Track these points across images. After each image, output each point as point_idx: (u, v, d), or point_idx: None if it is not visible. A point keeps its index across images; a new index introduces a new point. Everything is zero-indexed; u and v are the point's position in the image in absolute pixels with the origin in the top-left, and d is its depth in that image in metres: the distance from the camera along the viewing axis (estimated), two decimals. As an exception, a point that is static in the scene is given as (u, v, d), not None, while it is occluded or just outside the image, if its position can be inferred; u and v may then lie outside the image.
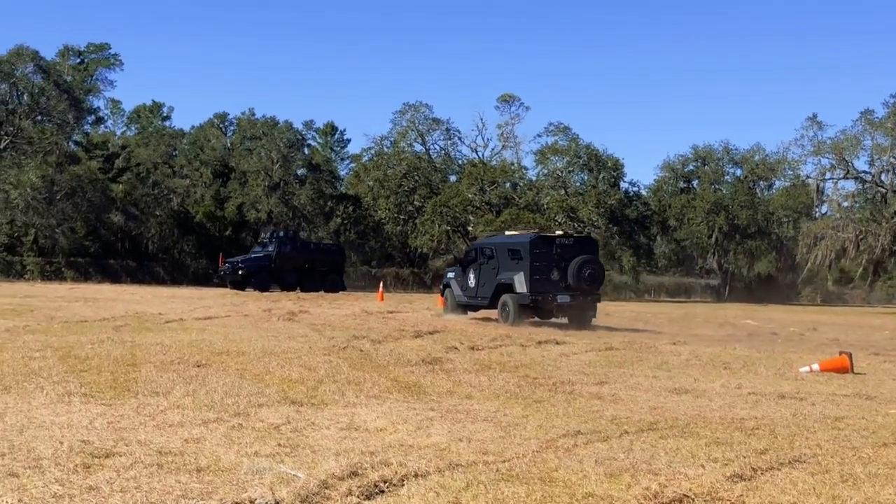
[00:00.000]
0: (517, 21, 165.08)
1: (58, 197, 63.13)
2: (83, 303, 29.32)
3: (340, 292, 50.93)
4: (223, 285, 51.81)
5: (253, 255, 51.96)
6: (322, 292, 49.15)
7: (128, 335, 17.55)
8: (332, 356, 14.50)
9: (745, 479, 6.66)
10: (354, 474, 6.40)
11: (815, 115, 63.99)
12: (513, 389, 11.34)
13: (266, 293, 45.80)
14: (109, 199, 68.79)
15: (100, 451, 6.96)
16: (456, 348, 16.86)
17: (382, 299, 40.92)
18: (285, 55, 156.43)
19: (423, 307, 34.40)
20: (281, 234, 53.79)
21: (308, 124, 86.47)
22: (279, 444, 7.57)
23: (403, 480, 6.37)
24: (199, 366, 12.74)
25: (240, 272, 49.79)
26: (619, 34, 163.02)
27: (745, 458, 7.38)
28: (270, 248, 51.39)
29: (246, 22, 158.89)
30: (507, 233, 33.57)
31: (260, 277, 49.85)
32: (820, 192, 64.41)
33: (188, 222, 70.82)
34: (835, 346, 20.53)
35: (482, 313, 27.92)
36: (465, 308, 28.14)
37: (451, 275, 29.44)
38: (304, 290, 49.98)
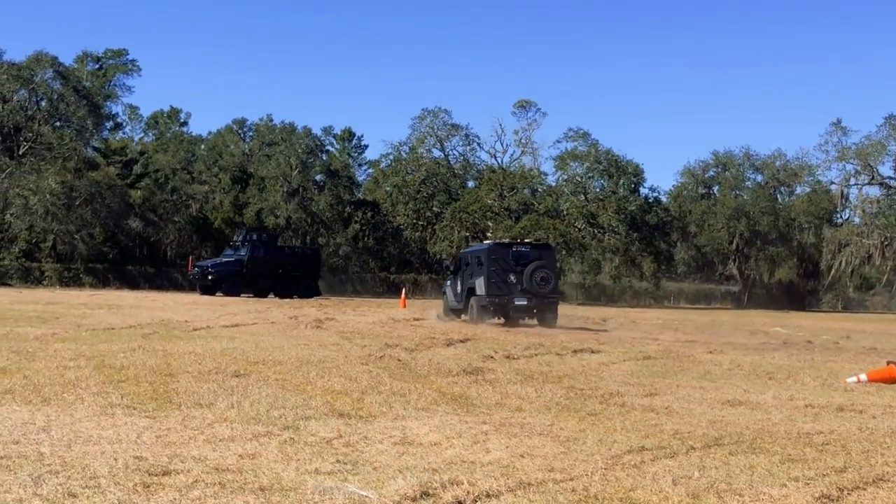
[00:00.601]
0: (536, 27, 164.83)
1: (77, 203, 63.09)
2: (107, 310, 29.13)
3: (317, 297, 49.35)
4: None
5: (224, 259, 50.37)
6: (295, 297, 47.76)
7: (158, 343, 17.31)
8: (370, 366, 14.23)
9: (832, 501, 6.35)
10: (426, 494, 6.11)
11: (839, 121, 63.60)
12: (563, 401, 11.04)
13: (279, 299, 45.49)
14: (128, 205, 68.79)
15: (156, 469, 6.68)
16: (492, 357, 16.59)
17: (405, 306, 40.73)
18: (302, 61, 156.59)
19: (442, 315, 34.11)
20: (253, 236, 52.03)
21: (327, 130, 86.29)
22: (338, 461, 7.29)
23: (476, 501, 6.08)
24: (237, 376, 12.48)
25: (209, 277, 48.23)
26: (637, 40, 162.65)
27: (825, 476, 7.07)
28: (242, 252, 49.74)
29: (261, 28, 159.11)
30: (486, 243, 36.31)
31: (231, 282, 48.27)
32: (844, 197, 63.91)
33: (207, 228, 70.74)
34: (873, 355, 20.21)
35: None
36: (456, 312, 30.44)
37: (448, 283, 31.98)
38: (276, 295, 48.32)
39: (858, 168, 61.38)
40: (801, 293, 74.90)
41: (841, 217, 72.35)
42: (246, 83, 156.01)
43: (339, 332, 22.38)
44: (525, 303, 27.79)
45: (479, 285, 28.13)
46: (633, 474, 7.11)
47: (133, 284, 67.92)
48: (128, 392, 10.80)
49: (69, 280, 67.99)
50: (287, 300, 44.83)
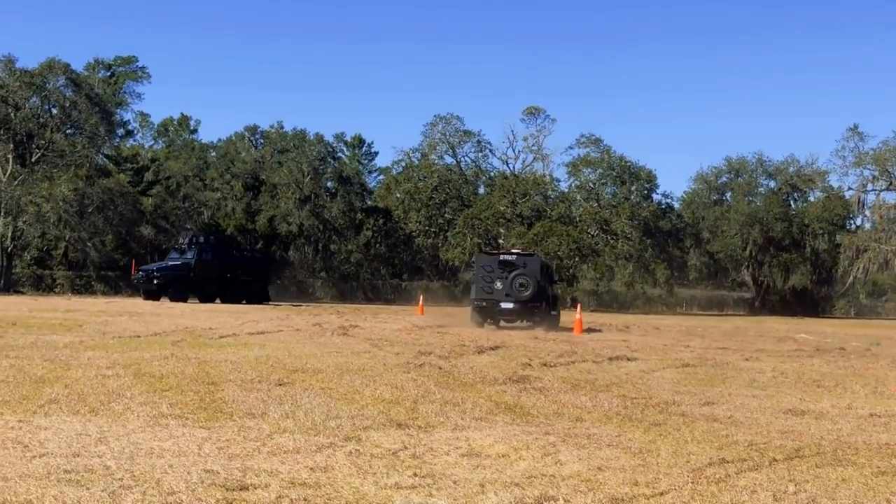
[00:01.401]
0: (547, 34, 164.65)
1: (89, 210, 62.87)
2: (128, 317, 28.87)
3: (266, 303, 47.40)
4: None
5: (170, 263, 48.09)
6: (244, 303, 45.85)
7: (189, 351, 17.06)
8: (412, 374, 13.96)
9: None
10: (523, 511, 5.83)
11: (856, 126, 63.25)
12: (620, 411, 10.76)
13: (267, 305, 44.86)
14: (139, 212, 68.61)
15: (232, 484, 6.42)
16: (529, 365, 16.34)
17: (423, 313, 40.43)
18: (312, 68, 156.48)
19: (469, 321, 33.80)
20: (201, 239, 49.84)
21: (339, 137, 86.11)
22: (415, 475, 7.02)
23: (575, 518, 5.80)
24: (281, 384, 12.22)
25: (155, 281, 46.18)
26: (649, 46, 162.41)
27: (926, 490, 6.78)
28: (189, 255, 47.50)
29: (269, 35, 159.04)
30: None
31: (178, 287, 46.19)
32: (861, 203, 63.51)
33: (219, 235, 70.48)
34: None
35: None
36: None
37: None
38: (224, 300, 46.41)
39: (876, 174, 60.99)
40: (814, 299, 74.40)
41: (854, 223, 71.90)
42: (254, 91, 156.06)
43: (367, 339, 22.10)
44: (510, 307, 29.48)
45: (473, 290, 30.86)
46: (724, 489, 6.84)
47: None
48: (175, 402, 10.54)
49: (81, 287, 67.87)
50: (304, 307, 44.47)
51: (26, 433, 8.35)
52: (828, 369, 17.34)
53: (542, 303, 30.11)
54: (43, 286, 67.41)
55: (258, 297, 48.33)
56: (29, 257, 68.52)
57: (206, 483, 6.39)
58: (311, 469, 7.12)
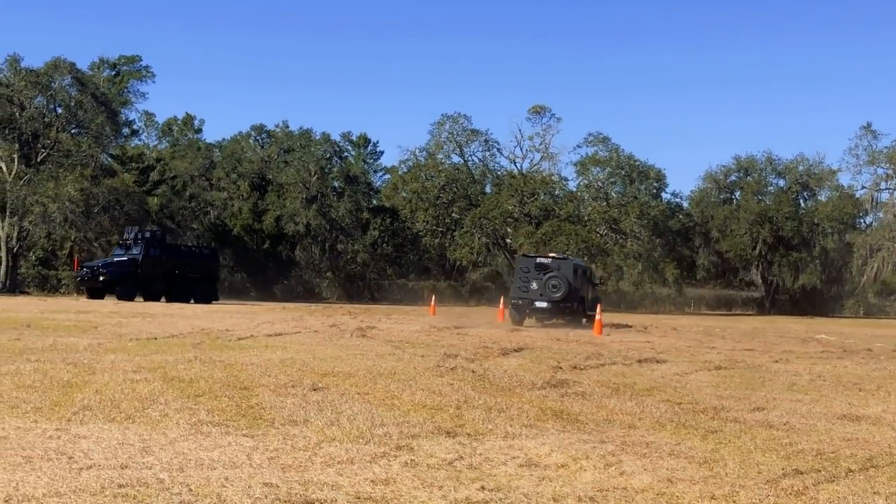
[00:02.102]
0: (553, 32, 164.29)
1: (95, 210, 62.53)
2: (141, 319, 28.53)
3: (215, 303, 45.48)
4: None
5: (115, 259, 45.64)
6: (192, 302, 43.81)
7: (212, 354, 16.74)
8: (446, 378, 13.63)
9: None
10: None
11: (869, 124, 62.80)
12: (671, 417, 10.43)
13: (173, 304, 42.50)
14: (146, 212, 68.28)
15: (297, 499, 6.10)
16: (560, 367, 16.02)
17: (435, 313, 40.15)
18: (315, 67, 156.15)
19: (484, 321, 33.57)
20: (147, 234, 47.62)
21: (346, 136, 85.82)
22: (482, 488, 6.70)
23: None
24: (315, 389, 11.90)
25: (101, 278, 43.82)
26: (657, 43, 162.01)
27: None
28: (136, 251, 45.20)
29: (272, 33, 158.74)
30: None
31: (125, 285, 43.83)
32: (874, 202, 63.11)
33: (226, 235, 70.16)
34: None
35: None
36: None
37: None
38: (171, 299, 44.31)
39: (890, 172, 60.56)
40: (824, 299, 74.04)
41: (863, 222, 71.53)
42: (258, 89, 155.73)
43: (387, 340, 21.78)
44: (544, 306, 31.80)
45: (511, 290, 33.39)
46: (805, 502, 6.50)
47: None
48: (211, 408, 10.23)
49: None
50: (317, 307, 44.08)
51: (66, 443, 8.03)
52: (863, 371, 17.02)
53: (574, 304, 32.11)
54: (48, 287, 67.10)
55: (206, 296, 46.32)
56: (34, 257, 68.23)
57: (269, 498, 6.07)
58: (373, 482, 6.79)
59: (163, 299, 44.27)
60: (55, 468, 6.91)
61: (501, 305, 35.75)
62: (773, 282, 73.33)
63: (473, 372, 14.41)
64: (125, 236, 48.67)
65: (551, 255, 37.29)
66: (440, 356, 17.46)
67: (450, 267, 77.74)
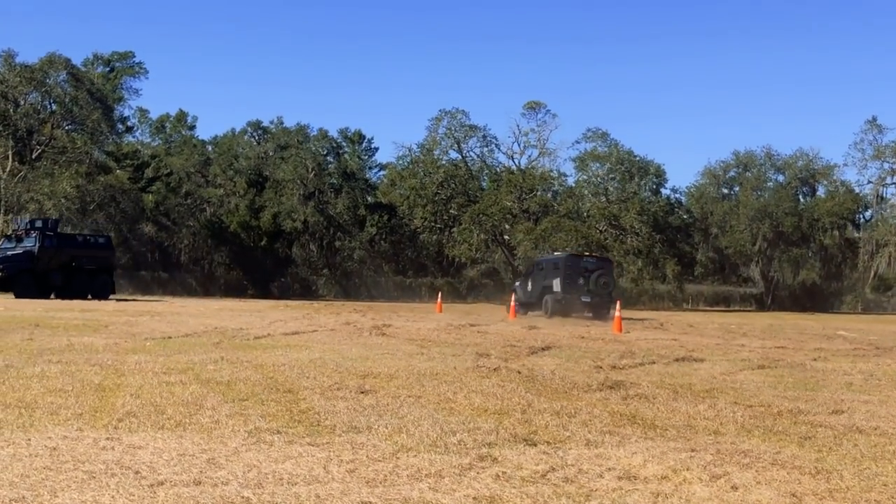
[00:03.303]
0: (551, 26, 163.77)
1: (91, 207, 61.79)
2: (149, 317, 27.89)
3: (111, 298, 42.63)
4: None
5: (9, 253, 41.31)
6: (90, 297, 40.64)
7: (236, 353, 16.13)
8: (492, 379, 13.03)
9: None
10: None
11: (874, 118, 62.34)
12: (752, 421, 9.85)
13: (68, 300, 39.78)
14: (141, 209, 67.57)
15: (409, 521, 5.46)
16: (600, 367, 15.42)
17: (441, 310, 39.65)
18: (308, 63, 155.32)
19: (496, 318, 33.02)
20: (39, 224, 43.81)
21: (343, 132, 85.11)
22: (601, 505, 6.06)
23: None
24: (363, 392, 11.27)
25: None
26: (654, 38, 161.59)
27: None
28: (30, 244, 41.44)
29: (263, 30, 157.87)
30: (554, 253, 44.44)
31: (23, 280, 40.17)
32: (880, 197, 62.70)
33: (222, 232, 69.45)
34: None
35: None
36: (525, 307, 37.36)
37: (517, 284, 39.83)
38: (65, 295, 40.82)
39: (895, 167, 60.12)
40: (824, 295, 73.70)
41: (863, 217, 71.22)
42: (251, 86, 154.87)
43: (408, 339, 21.20)
44: (588, 300, 34.88)
45: (556, 285, 35.15)
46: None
47: (146, 290, 66.88)
48: (261, 413, 9.61)
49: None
50: (319, 304, 43.42)
51: (123, 454, 7.39)
52: (911, 369, 16.47)
53: (611, 299, 34.63)
54: (43, 285, 66.10)
55: (104, 290, 43.24)
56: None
57: (378, 521, 5.43)
58: (475, 499, 6.19)
59: (52, 296, 41.00)
60: (125, 485, 6.28)
61: (512, 302, 35.29)
62: (773, 278, 72.92)
63: (519, 373, 13.80)
64: (16, 228, 46.03)
65: (594, 254, 42.63)
66: (472, 355, 16.92)
67: (447, 264, 77.18)
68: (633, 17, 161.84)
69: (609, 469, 7.37)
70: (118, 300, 43.29)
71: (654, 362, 16.73)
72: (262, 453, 7.60)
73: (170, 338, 19.99)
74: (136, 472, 6.68)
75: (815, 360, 18.41)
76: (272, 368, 13.85)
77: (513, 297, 37.87)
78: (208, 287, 69.84)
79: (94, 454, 7.34)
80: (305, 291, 71.98)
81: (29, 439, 7.91)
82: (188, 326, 23.85)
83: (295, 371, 13.46)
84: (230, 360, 14.98)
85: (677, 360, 17.33)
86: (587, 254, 40.64)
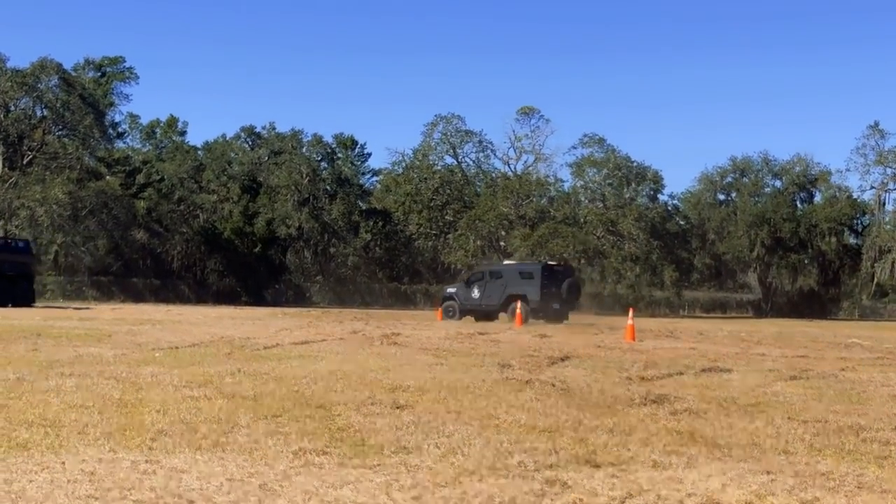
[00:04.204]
0: (546, 33, 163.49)
1: (82, 214, 61.08)
2: (151, 326, 27.31)
3: (32, 306, 39.83)
4: None
5: None
6: (10, 306, 36.95)
7: (251, 365, 15.59)
8: (527, 392, 12.52)
9: None
10: None
11: (876, 123, 62.02)
12: (816, 439, 9.37)
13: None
14: (133, 215, 66.88)
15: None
16: (630, 379, 14.91)
17: (442, 318, 39.21)
18: (301, 68, 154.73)
19: (504, 326, 32.54)
20: None
21: (338, 137, 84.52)
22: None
23: None
24: (398, 407, 10.76)
25: None
26: (650, 44, 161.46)
27: None
28: None
29: (253, 37, 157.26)
30: (505, 262, 46.20)
31: None
32: (882, 202, 62.42)
33: (216, 239, 68.77)
34: None
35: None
36: (467, 313, 38.82)
37: (452, 290, 40.98)
38: None
39: (899, 172, 59.81)
40: (822, 301, 73.35)
41: (860, 223, 70.86)
42: (242, 93, 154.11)
43: (422, 348, 20.68)
44: (558, 307, 37.03)
45: (532, 292, 36.71)
46: None
47: (137, 297, 66.25)
48: (300, 431, 9.11)
49: (72, 293, 66.11)
50: (317, 311, 42.81)
51: (169, 479, 6.86)
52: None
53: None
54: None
55: (25, 297, 39.96)
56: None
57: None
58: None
59: None
60: (183, 517, 5.74)
61: (518, 310, 34.81)
62: (771, 284, 72.56)
63: (552, 385, 13.29)
64: None
65: (560, 263, 43.26)
66: (494, 366, 16.43)
67: (442, 270, 76.64)
68: (629, 23, 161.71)
69: (689, 495, 6.89)
70: (44, 307, 41.57)
71: (681, 373, 16.23)
72: (314, 477, 7.09)
73: (177, 348, 19.45)
74: (190, 502, 6.15)
75: (842, 369, 17.93)
76: (294, 381, 13.31)
77: (444, 303, 40.32)
78: (201, 294, 69.16)
79: (137, 480, 6.82)
80: (299, 298, 71.37)
81: (63, 462, 7.38)
82: (193, 336, 23.29)
83: (319, 384, 12.93)
84: (247, 371, 14.46)
85: (704, 370, 16.84)
86: (557, 263, 42.35)
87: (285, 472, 7.28)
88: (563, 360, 18.67)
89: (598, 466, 7.81)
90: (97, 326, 26.30)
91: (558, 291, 37.07)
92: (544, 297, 36.45)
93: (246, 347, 19.94)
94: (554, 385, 13.29)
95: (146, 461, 7.49)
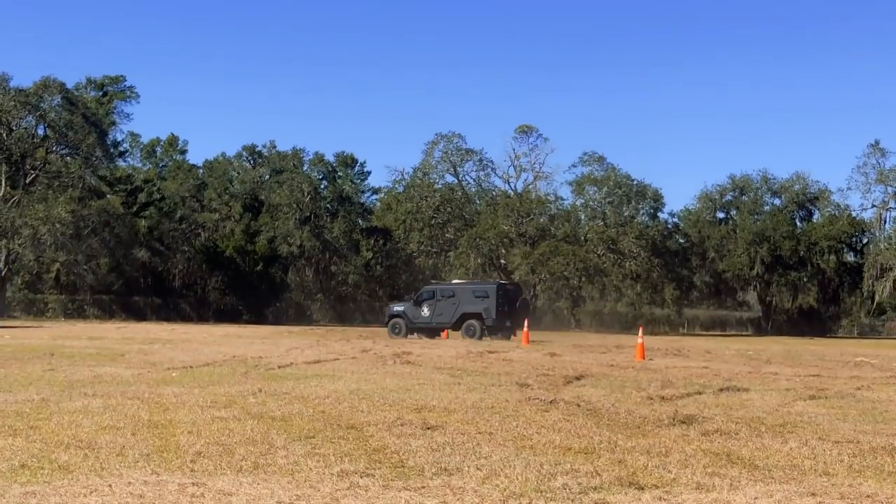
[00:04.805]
0: (544, 52, 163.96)
1: (85, 233, 61.05)
2: (161, 345, 27.34)
3: None
4: None
5: None
6: None
7: (270, 385, 15.61)
8: (554, 413, 12.52)
9: None
10: None
11: (877, 142, 62.28)
12: (853, 460, 9.37)
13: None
14: (135, 234, 66.89)
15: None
16: (650, 398, 14.91)
17: (447, 336, 39.25)
18: (301, 87, 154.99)
19: (511, 345, 32.56)
20: None
21: (339, 156, 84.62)
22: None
23: None
24: (429, 428, 10.76)
25: None
26: (647, 63, 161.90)
27: None
28: None
29: (252, 54, 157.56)
30: (454, 281, 47.31)
31: None
32: (882, 221, 62.53)
33: (217, 257, 68.75)
34: None
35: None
36: (415, 331, 39.59)
37: (400, 308, 41.27)
38: None
39: (899, 191, 59.96)
40: (821, 319, 73.42)
41: (860, 241, 70.95)
42: (240, 112, 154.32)
43: (436, 368, 20.69)
44: (510, 325, 38.59)
45: (489, 311, 38.19)
46: None
47: (139, 315, 66.25)
48: (337, 452, 9.12)
49: (73, 312, 66.10)
50: (326, 329, 42.71)
51: (218, 503, 6.84)
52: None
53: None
54: (35, 310, 65.56)
55: None
56: (20, 281, 66.54)
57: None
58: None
59: None
60: (244, 542, 5.74)
61: (525, 328, 34.88)
62: (771, 302, 72.60)
63: (578, 406, 13.28)
64: None
65: (511, 283, 45.83)
66: (513, 385, 16.49)
67: (443, 289, 76.51)
68: (629, 42, 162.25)
69: (741, 519, 6.88)
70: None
71: (700, 392, 16.23)
72: (362, 500, 7.10)
73: (191, 367, 19.48)
74: (248, 528, 6.15)
75: (858, 388, 17.93)
76: (318, 401, 13.33)
77: (390, 320, 40.88)
78: (202, 312, 69.13)
79: (187, 503, 6.81)
80: (300, 317, 71.33)
81: (109, 485, 7.39)
82: (204, 355, 23.30)
83: (344, 404, 12.94)
84: (268, 391, 14.47)
85: (722, 389, 16.84)
86: (508, 283, 44.63)
87: (332, 494, 7.28)
88: (578, 378, 18.69)
89: (642, 489, 7.81)
90: (107, 346, 26.31)
91: (510, 310, 38.48)
92: (499, 316, 37.86)
93: (260, 367, 19.95)
94: (579, 405, 13.29)
95: (192, 483, 7.49)
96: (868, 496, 7.65)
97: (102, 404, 12.32)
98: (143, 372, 17.88)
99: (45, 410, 11.69)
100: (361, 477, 7.98)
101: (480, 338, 36.75)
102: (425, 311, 39.44)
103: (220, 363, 20.69)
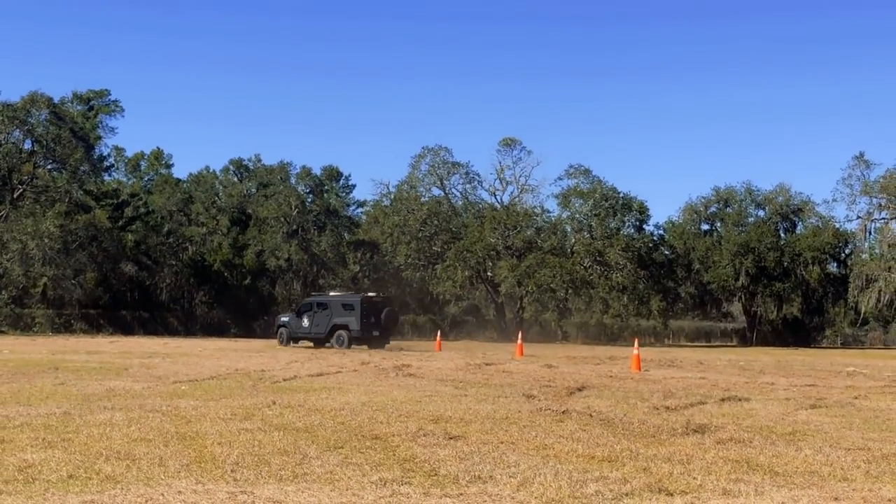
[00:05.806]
0: (528, 64, 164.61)
1: (73, 247, 60.97)
2: (161, 359, 27.48)
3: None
4: None
5: None
6: None
7: (282, 397, 15.87)
8: (568, 423, 12.83)
9: None
10: None
11: (861, 154, 62.87)
12: (869, 466, 9.72)
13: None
14: (122, 248, 66.82)
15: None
16: (656, 409, 15.23)
17: (440, 348, 39.52)
18: (279, 101, 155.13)
19: (506, 356, 32.82)
20: None
21: (326, 169, 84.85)
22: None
23: None
24: (452, 438, 11.06)
25: None
26: (632, 75, 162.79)
27: None
28: None
29: (234, 67, 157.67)
30: (331, 293, 47.86)
31: None
32: (867, 232, 63.14)
33: (205, 271, 68.78)
34: None
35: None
36: (295, 340, 41.50)
37: (285, 318, 43.04)
38: None
39: (884, 202, 60.52)
40: (805, 329, 73.96)
41: (843, 252, 71.52)
42: (223, 125, 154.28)
43: (439, 380, 20.97)
44: (377, 334, 39.83)
45: (353, 322, 39.29)
46: None
47: (126, 330, 66.12)
48: (369, 462, 9.42)
49: (60, 326, 65.94)
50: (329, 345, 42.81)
51: (272, 511, 7.12)
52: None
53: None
54: (22, 325, 65.36)
55: None
56: (7, 296, 66.35)
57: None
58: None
59: None
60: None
61: (520, 341, 35.16)
62: (755, 312, 73.10)
63: (591, 416, 13.58)
64: None
65: (378, 295, 47.05)
66: (520, 396, 16.80)
67: (430, 301, 76.85)
68: (613, 51, 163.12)
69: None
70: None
71: (703, 402, 16.57)
72: (407, 507, 7.35)
73: (196, 380, 19.68)
74: (309, 531, 6.42)
75: (856, 398, 18.32)
76: (333, 413, 13.60)
77: (277, 329, 42.95)
78: (189, 326, 69.08)
79: (241, 511, 7.07)
80: (287, 330, 71.27)
81: (162, 494, 7.63)
82: (206, 369, 23.49)
83: (361, 416, 13.20)
84: (282, 404, 14.72)
85: (723, 399, 17.20)
86: (375, 295, 46.13)
87: (376, 502, 7.55)
88: (580, 390, 18.99)
89: (671, 495, 8.11)
90: (108, 360, 26.45)
91: (377, 321, 39.63)
92: (364, 327, 39.06)
93: (265, 380, 20.17)
94: (591, 416, 13.59)
95: (241, 492, 7.75)
96: (889, 500, 7.98)
97: (125, 417, 12.54)
98: (151, 385, 18.07)
99: (72, 423, 11.91)
100: (400, 485, 8.25)
101: (349, 347, 38.21)
102: (305, 322, 40.84)
103: (224, 376, 20.89)
